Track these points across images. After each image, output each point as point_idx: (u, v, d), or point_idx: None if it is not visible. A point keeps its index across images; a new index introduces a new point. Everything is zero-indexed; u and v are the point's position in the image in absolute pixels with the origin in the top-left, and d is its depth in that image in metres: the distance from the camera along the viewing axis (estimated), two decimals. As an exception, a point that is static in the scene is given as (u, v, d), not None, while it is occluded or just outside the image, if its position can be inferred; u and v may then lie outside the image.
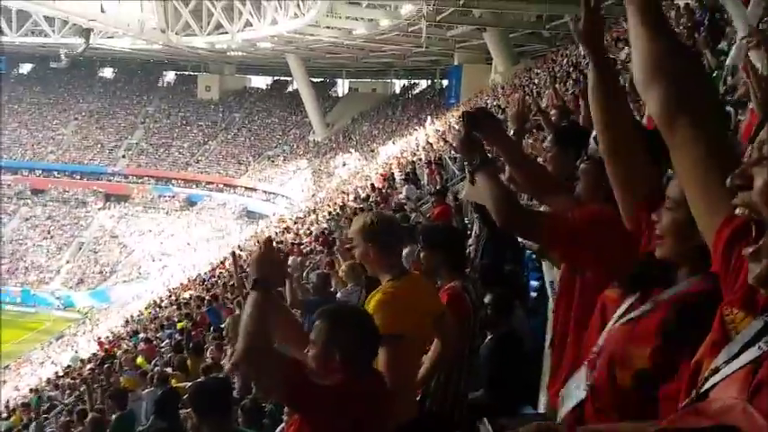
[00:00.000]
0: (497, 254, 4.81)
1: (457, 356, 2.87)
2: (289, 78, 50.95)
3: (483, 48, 34.59)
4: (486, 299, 3.46)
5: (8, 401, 20.31)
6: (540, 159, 4.97)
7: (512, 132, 2.86)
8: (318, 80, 50.36)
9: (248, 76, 55.44)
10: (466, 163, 2.09)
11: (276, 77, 54.24)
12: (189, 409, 4.29)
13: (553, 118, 5.69)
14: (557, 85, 11.62)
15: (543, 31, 32.16)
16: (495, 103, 21.69)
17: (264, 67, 53.23)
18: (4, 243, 44.04)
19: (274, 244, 2.36)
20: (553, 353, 2.29)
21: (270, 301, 2.06)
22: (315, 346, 2.02)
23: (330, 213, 20.81)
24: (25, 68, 57.16)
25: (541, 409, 2.55)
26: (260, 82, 56.06)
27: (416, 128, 33.99)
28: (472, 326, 3.06)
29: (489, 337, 3.39)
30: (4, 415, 17.52)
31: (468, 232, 7.01)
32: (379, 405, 2.04)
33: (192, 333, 12.52)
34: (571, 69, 16.30)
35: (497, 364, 3.29)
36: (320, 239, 14.90)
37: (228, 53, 48.23)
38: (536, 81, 21.22)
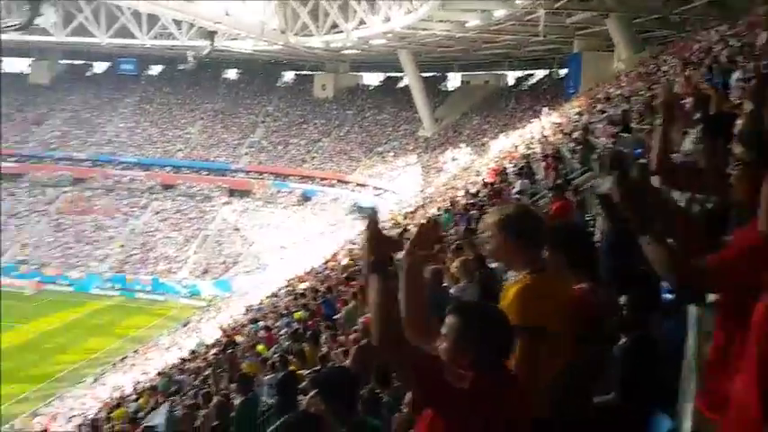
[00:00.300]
0: (627, 253, 4.53)
1: (585, 360, 2.74)
2: (400, 74, 51.29)
3: (604, 34, 32.78)
4: (622, 300, 3.29)
5: (136, 384, 21.75)
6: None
7: (660, 121, 2.70)
8: (429, 75, 50.24)
9: (361, 74, 56.39)
10: (625, 220, 1.98)
11: (388, 74, 54.80)
12: (312, 395, 4.41)
13: (687, 107, 5.35)
14: (688, 72, 10.93)
15: (671, 16, 30.21)
16: (617, 93, 20.73)
17: (377, 64, 53.88)
18: (137, 235, 47.55)
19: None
20: (707, 362, 2.14)
21: (391, 281, 2.01)
22: (446, 341, 1.99)
23: (439, 209, 20.74)
24: (155, 70, 60.87)
25: (686, 417, 2.38)
26: (372, 79, 57.00)
27: (530, 120, 32.93)
28: (601, 329, 2.91)
29: (623, 339, 3.22)
30: (134, 397, 18.77)
31: (592, 230, 6.71)
32: (511, 403, 1.98)
33: (309, 323, 12.86)
34: (703, 56, 15.23)
35: (631, 366, 3.11)
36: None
37: (343, 52, 49.20)
38: (664, 68, 19.94)
